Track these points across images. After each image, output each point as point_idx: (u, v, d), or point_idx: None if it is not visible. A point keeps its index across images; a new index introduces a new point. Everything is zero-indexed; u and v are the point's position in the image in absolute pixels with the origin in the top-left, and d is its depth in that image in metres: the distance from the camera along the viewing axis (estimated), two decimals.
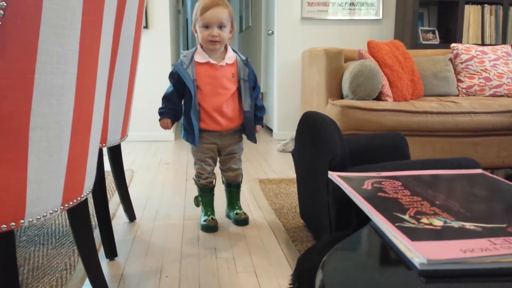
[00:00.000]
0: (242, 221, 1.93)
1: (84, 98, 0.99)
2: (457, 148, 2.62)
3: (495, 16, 3.85)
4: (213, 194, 1.96)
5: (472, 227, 0.57)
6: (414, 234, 0.54)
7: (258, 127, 1.93)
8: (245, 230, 1.87)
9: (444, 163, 1.32)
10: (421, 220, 0.59)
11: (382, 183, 0.74)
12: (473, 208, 0.64)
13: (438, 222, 0.58)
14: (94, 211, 1.60)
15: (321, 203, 1.53)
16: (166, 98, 1.84)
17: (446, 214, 0.61)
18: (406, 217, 0.60)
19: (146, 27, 3.90)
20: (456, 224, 0.58)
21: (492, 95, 3.11)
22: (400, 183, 0.74)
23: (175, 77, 1.81)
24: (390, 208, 0.62)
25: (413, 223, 0.58)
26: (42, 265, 1.49)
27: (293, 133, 3.53)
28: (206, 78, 1.80)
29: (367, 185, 0.73)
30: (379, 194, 0.69)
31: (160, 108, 1.84)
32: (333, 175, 0.81)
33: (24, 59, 0.81)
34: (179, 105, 1.84)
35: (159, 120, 1.84)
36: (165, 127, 1.84)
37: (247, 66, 1.86)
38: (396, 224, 0.57)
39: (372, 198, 0.66)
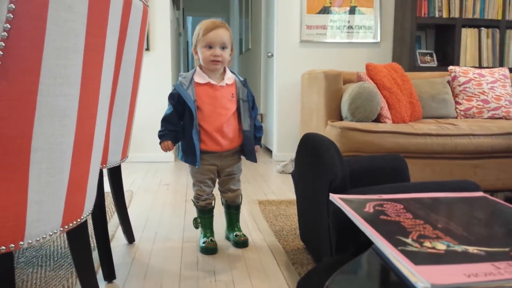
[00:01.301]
0: (242, 243, 1.92)
1: (86, 119, 1.00)
2: (456, 170, 2.62)
3: (492, 39, 3.89)
4: (212, 216, 1.95)
5: (475, 251, 0.57)
6: (417, 258, 0.54)
7: (257, 147, 1.93)
8: (244, 253, 1.86)
9: (444, 185, 1.32)
10: (424, 244, 0.58)
11: (384, 206, 0.74)
12: (475, 231, 0.64)
13: (441, 246, 0.58)
14: (92, 232, 1.59)
15: (321, 225, 1.53)
16: (165, 120, 1.84)
17: (449, 238, 0.61)
18: (409, 240, 0.59)
19: (147, 49, 3.94)
20: (459, 248, 0.58)
21: (490, 118, 3.12)
22: (402, 206, 0.74)
23: (175, 98, 1.82)
24: (393, 231, 0.62)
25: (416, 247, 0.58)
26: None
27: (292, 155, 3.53)
28: (206, 99, 1.81)
29: (369, 208, 0.73)
30: (381, 217, 0.68)
31: (159, 131, 1.84)
32: (335, 198, 0.80)
33: (27, 81, 0.82)
34: (178, 127, 1.84)
35: (160, 143, 1.84)
36: (166, 149, 1.83)
37: (245, 86, 1.88)
38: (399, 248, 0.57)
39: (374, 221, 0.66)
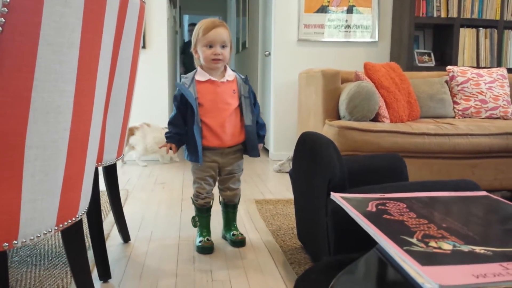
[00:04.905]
0: (239, 242, 1.90)
1: (81, 117, 0.98)
2: (454, 170, 2.61)
3: (490, 39, 3.89)
4: (209, 215, 1.94)
5: (482, 251, 0.55)
6: (423, 259, 0.52)
7: (260, 145, 1.92)
8: (241, 252, 1.84)
9: (444, 185, 1.31)
10: (430, 244, 0.57)
11: (387, 205, 0.72)
12: (481, 231, 0.62)
13: (447, 246, 0.56)
14: (87, 231, 1.57)
15: (319, 224, 1.51)
16: (170, 123, 1.87)
17: (454, 238, 0.59)
18: (414, 240, 0.58)
19: (143, 47, 3.91)
20: (465, 248, 0.56)
21: (488, 117, 3.12)
22: (404, 205, 0.73)
23: (178, 99, 1.82)
24: (397, 231, 0.61)
25: (422, 247, 0.56)
26: (34, 287, 1.45)
27: (289, 154, 3.51)
28: (208, 95, 1.81)
29: (371, 207, 0.71)
30: (384, 216, 0.67)
31: (166, 133, 1.88)
32: (336, 196, 0.79)
33: (21, 77, 0.80)
34: (183, 129, 1.84)
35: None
36: (169, 150, 1.87)
37: (246, 83, 1.88)
38: (404, 248, 0.55)
39: (378, 220, 0.65)
